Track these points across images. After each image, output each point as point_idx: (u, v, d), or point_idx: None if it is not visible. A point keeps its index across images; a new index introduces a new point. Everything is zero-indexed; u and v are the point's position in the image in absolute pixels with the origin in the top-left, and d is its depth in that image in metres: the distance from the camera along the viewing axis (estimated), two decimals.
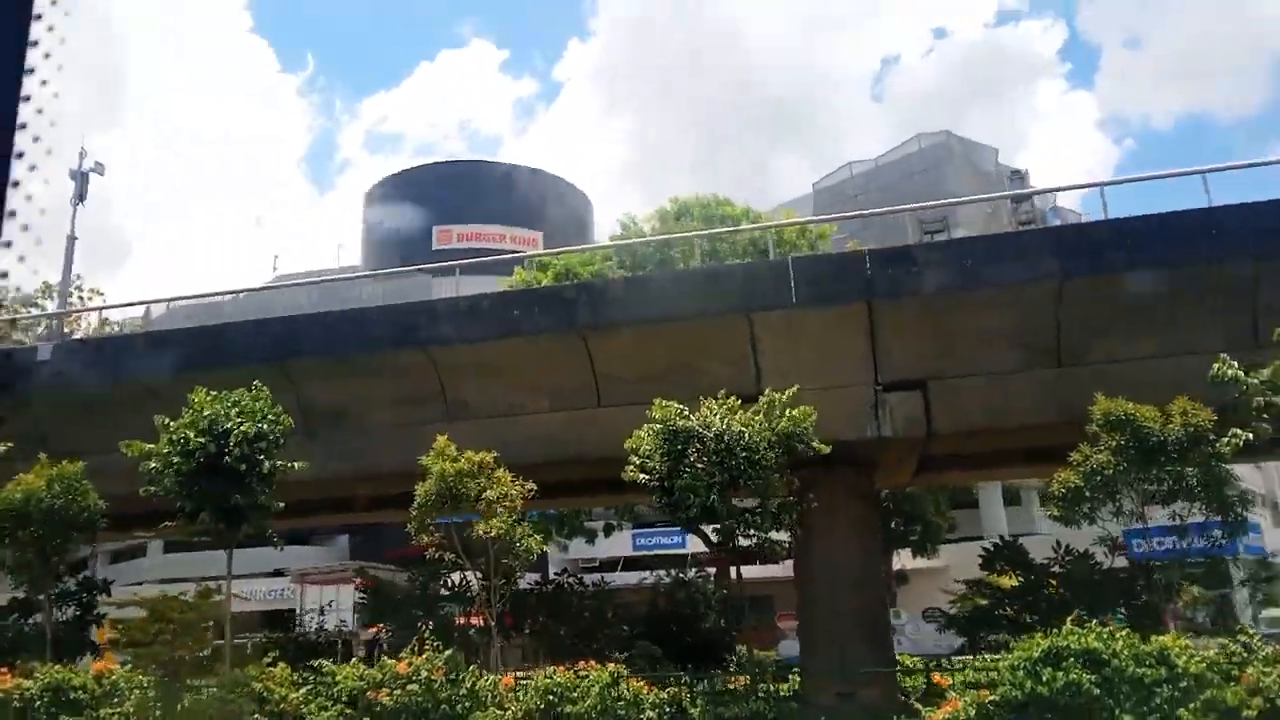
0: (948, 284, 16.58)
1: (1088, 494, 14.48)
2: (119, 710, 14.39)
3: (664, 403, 14.51)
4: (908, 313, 16.87)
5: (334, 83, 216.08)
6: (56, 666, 15.54)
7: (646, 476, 14.28)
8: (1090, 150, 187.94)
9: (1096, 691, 12.43)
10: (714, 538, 27.71)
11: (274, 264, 72.56)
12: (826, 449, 14.27)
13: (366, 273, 43.97)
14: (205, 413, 15.10)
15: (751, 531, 14.50)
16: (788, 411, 14.26)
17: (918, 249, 17.56)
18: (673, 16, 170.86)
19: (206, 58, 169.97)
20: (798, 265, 17.24)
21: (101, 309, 27.72)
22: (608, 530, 39.60)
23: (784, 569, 21.98)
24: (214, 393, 15.56)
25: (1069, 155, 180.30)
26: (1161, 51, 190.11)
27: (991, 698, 13.10)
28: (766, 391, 16.44)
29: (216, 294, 36.13)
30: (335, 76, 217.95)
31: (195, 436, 14.83)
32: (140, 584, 25.92)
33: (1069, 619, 13.90)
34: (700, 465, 13.93)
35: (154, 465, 15.05)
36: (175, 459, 14.89)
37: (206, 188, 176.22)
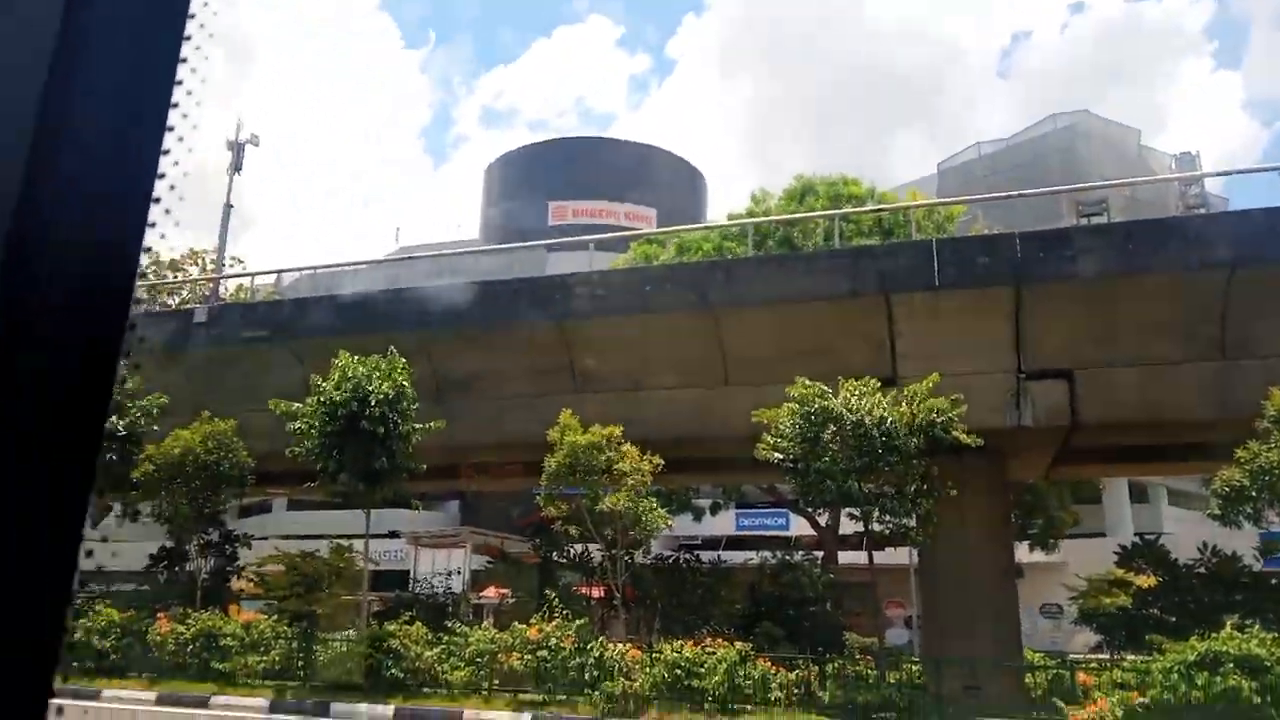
0: (1107, 269, 15.72)
1: (1253, 493, 13.59)
2: (266, 658, 15.05)
3: (805, 381, 14.22)
4: (1057, 299, 16.09)
5: (454, 59, 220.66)
6: (207, 614, 16.38)
7: (780, 456, 14.06)
8: (1236, 133, 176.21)
9: (1256, 699, 11.77)
10: (826, 521, 27.35)
11: (396, 236, 74.67)
12: (970, 440, 13.75)
13: (486, 247, 44.79)
14: (349, 375, 15.60)
15: (886, 517, 14.12)
16: (929, 400, 13.79)
17: (1076, 232, 16.73)
18: None
19: (332, 32, 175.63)
20: (943, 246, 16.62)
21: (243, 275, 29.08)
22: (714, 509, 39.47)
23: (888, 556, 21.49)
24: (357, 356, 16.07)
25: (1211, 138, 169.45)
26: None
27: (1141, 700, 12.55)
28: (902, 376, 16.05)
29: (344, 264, 37.53)
30: (455, 52, 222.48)
31: (340, 396, 15.35)
32: (266, 539, 27.20)
33: (1228, 623, 13.16)
34: (836, 448, 13.64)
35: (300, 425, 15.64)
36: (319, 420, 15.44)
37: (330, 160, 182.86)
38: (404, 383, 15.93)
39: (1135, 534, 27.76)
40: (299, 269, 28.82)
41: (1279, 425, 13.27)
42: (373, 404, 15.30)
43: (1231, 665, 12.03)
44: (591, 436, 15.40)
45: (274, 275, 26.97)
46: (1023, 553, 33.08)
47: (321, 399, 15.63)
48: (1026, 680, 15.39)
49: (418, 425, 15.62)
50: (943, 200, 29.39)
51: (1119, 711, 12.45)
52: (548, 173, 59.26)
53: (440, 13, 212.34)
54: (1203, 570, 17.09)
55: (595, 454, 15.33)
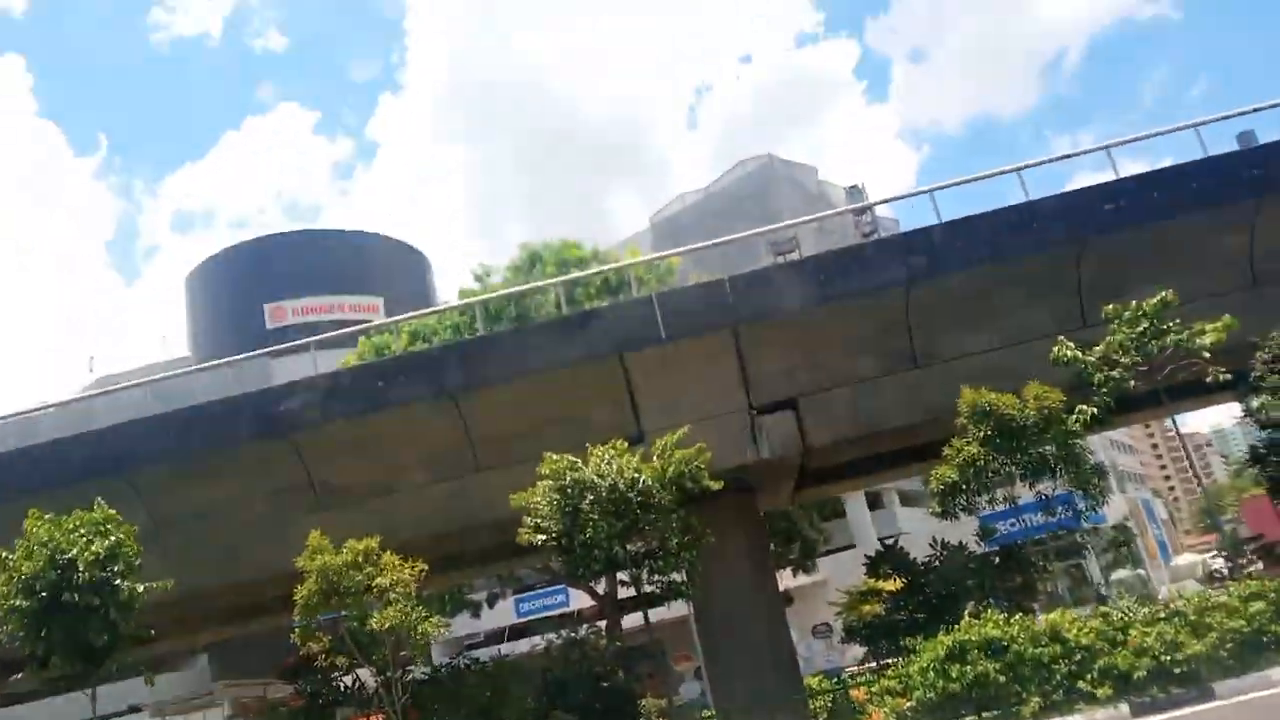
0: (805, 301, 17.13)
1: (964, 486, 15.15)
2: None
3: (553, 456, 14.19)
4: (771, 334, 17.28)
5: (131, 162, 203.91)
6: None
7: (544, 536, 13.89)
8: (893, 159, 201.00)
9: (1003, 679, 12.99)
10: (604, 589, 27.33)
11: (90, 365, 67.21)
12: (718, 485, 14.31)
13: (197, 366, 41.32)
14: (43, 539, 13.61)
15: (655, 576, 14.31)
16: (677, 452, 14.22)
17: (775, 270, 18.10)
18: (486, 62, 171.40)
19: None
20: (663, 300, 17.37)
21: None
22: (491, 600, 38.45)
23: (669, 611, 21.89)
24: (48, 515, 14.07)
25: (875, 166, 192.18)
26: (943, 63, 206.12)
27: (909, 704, 13.45)
28: (648, 431, 16.49)
29: (28, 411, 32.97)
30: (132, 155, 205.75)
31: (34, 566, 13.32)
32: None
33: (964, 612, 14.48)
34: (596, 517, 13.68)
35: None
36: (15, 599, 13.32)
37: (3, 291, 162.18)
38: (118, 536, 14.10)
39: (879, 540, 30.06)
40: None
41: (973, 421, 14.93)
42: (80, 569, 13.40)
43: (976, 651, 13.24)
44: (345, 555, 14.40)
45: None
46: (787, 578, 35.01)
47: (13, 575, 13.49)
48: (811, 706, 16.07)
49: (140, 586, 13.83)
50: (657, 255, 30.90)
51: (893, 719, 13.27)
52: (258, 273, 56.11)
53: (110, 115, 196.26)
54: (937, 564, 18.71)
55: (351, 573, 14.33)
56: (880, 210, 43.64)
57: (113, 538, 13.89)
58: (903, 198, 53.75)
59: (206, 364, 39.65)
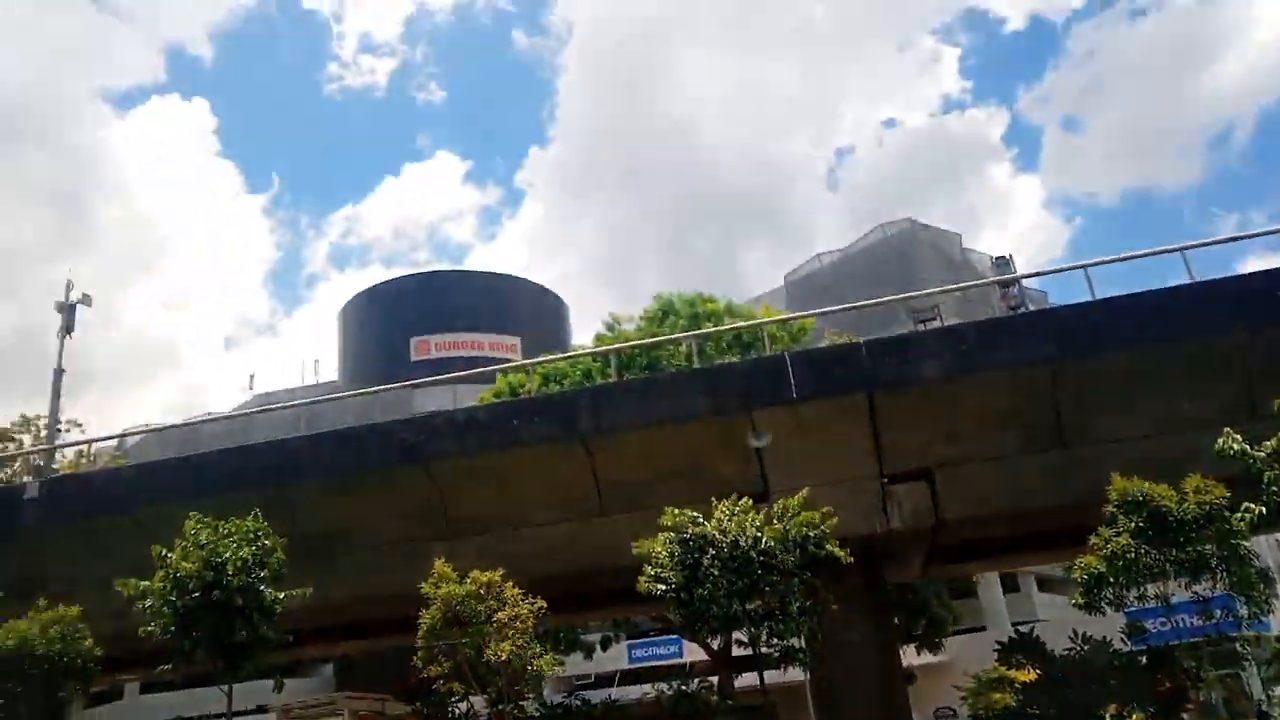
0: (946, 370, 16.67)
1: (1111, 578, 14.26)
2: None
3: (675, 511, 14.22)
4: (908, 401, 16.87)
5: (300, 199, 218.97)
6: None
7: (663, 587, 13.88)
8: (1043, 230, 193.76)
9: None
10: (719, 645, 26.96)
11: (250, 384, 71.81)
12: (844, 554, 13.98)
13: (346, 391, 43.61)
14: (200, 541, 14.60)
15: (773, 639, 14.04)
16: (802, 514, 14.01)
17: (914, 337, 17.73)
18: (629, 120, 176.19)
19: (173, 182, 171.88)
20: (796, 359, 17.27)
21: (80, 443, 27.13)
22: (605, 644, 38.47)
23: (784, 675, 21.33)
24: (205, 520, 15.10)
25: (1022, 236, 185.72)
26: (1100, 133, 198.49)
27: None
28: (774, 490, 16.32)
29: (193, 421, 35.65)
30: (301, 194, 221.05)
31: (190, 566, 14.29)
32: None
33: (1108, 715, 13.54)
34: (716, 572, 13.59)
35: (149, 603, 14.43)
36: (171, 595, 14.29)
37: (175, 311, 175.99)
38: (266, 544, 15.00)
39: (1012, 624, 28.52)
40: (143, 430, 27.22)
41: (1123, 510, 14.09)
42: (230, 572, 14.30)
43: None
44: (469, 586, 14.81)
45: (115, 440, 25.35)
46: (911, 655, 33.66)
47: (170, 572, 14.51)
48: None
49: (281, 593, 14.64)
50: (793, 315, 30.79)
51: None
52: (407, 308, 58.95)
53: (282, 157, 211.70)
54: (1077, 659, 17.64)
55: (474, 604, 14.70)
56: (1028, 282, 42.18)
57: (261, 545, 14.75)
58: (1055, 271, 51.65)
59: (355, 391, 41.91)
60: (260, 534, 14.97)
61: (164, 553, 14.66)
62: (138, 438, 29.67)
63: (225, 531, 14.89)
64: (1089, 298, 17.33)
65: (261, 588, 14.47)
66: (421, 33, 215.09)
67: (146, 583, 14.56)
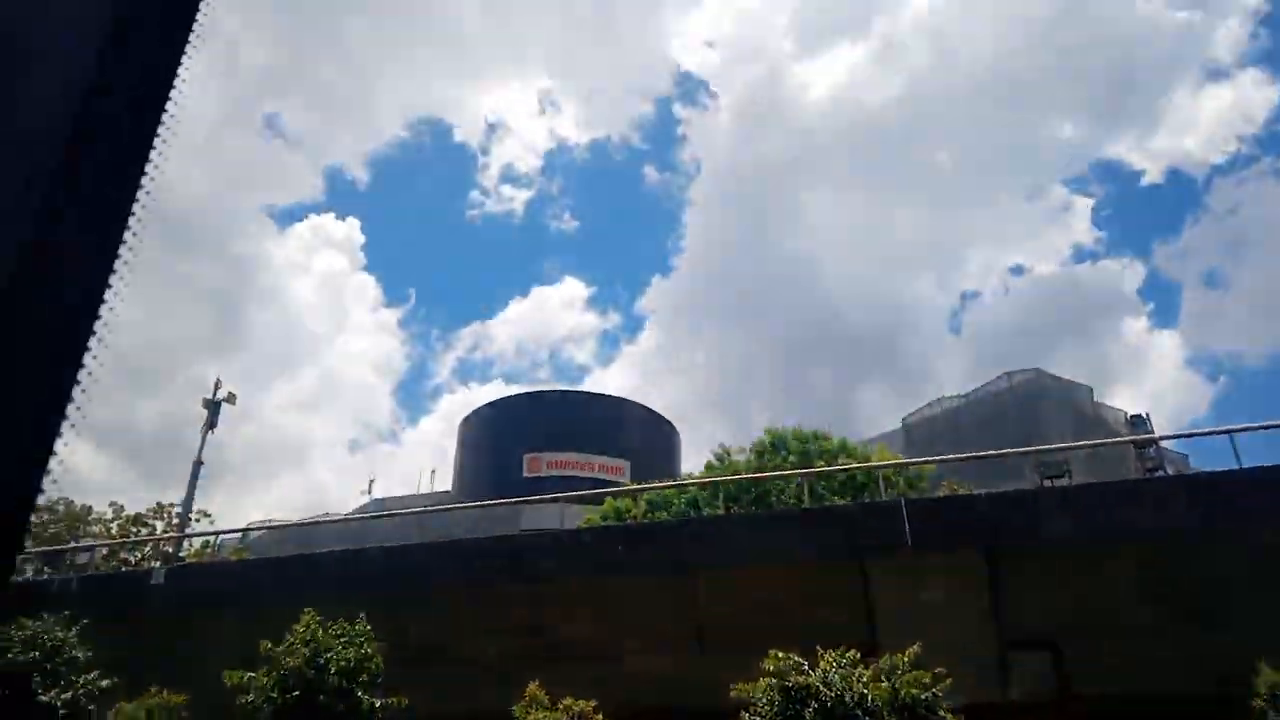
0: (1074, 532, 15.83)
1: None
2: None
3: (780, 655, 13.71)
4: (1031, 563, 16.05)
5: (433, 314, 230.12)
6: None
7: None
8: (1183, 388, 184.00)
9: None
10: None
11: (369, 488, 74.18)
12: (956, 719, 13.11)
13: (458, 503, 44.47)
14: (308, 639, 14.89)
15: None
16: (912, 673, 13.28)
17: (1041, 493, 16.97)
18: (751, 253, 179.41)
19: (317, 290, 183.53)
20: (912, 507, 16.74)
21: (207, 534, 28.42)
22: None
23: None
24: (317, 618, 15.43)
25: (1160, 395, 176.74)
26: (1243, 289, 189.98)
27: None
28: (882, 644, 15.56)
29: (313, 520, 36.91)
30: (435, 308, 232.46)
31: (294, 662, 14.54)
32: None
33: None
34: None
35: (251, 698, 14.70)
36: (274, 691, 14.54)
37: (308, 413, 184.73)
38: (368, 650, 15.19)
39: None
40: (265, 525, 28.38)
41: (1271, 704, 12.83)
42: (332, 672, 14.49)
43: None
44: (559, 714, 14.53)
45: (240, 533, 26.49)
46: None
47: (275, 669, 14.80)
48: None
49: (378, 701, 14.71)
50: (911, 460, 29.93)
51: None
52: (523, 424, 60.11)
53: (420, 273, 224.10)
54: None
55: None
56: (1167, 445, 39.99)
57: (364, 650, 14.93)
58: (1197, 435, 48.78)
59: (467, 503, 42.72)
60: (364, 639, 15.18)
61: (270, 647, 15.01)
62: (260, 532, 30.88)
63: (334, 630, 15.17)
64: (1234, 465, 16.33)
65: (359, 693, 14.56)
66: (559, 165, 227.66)
67: (252, 675, 14.88)
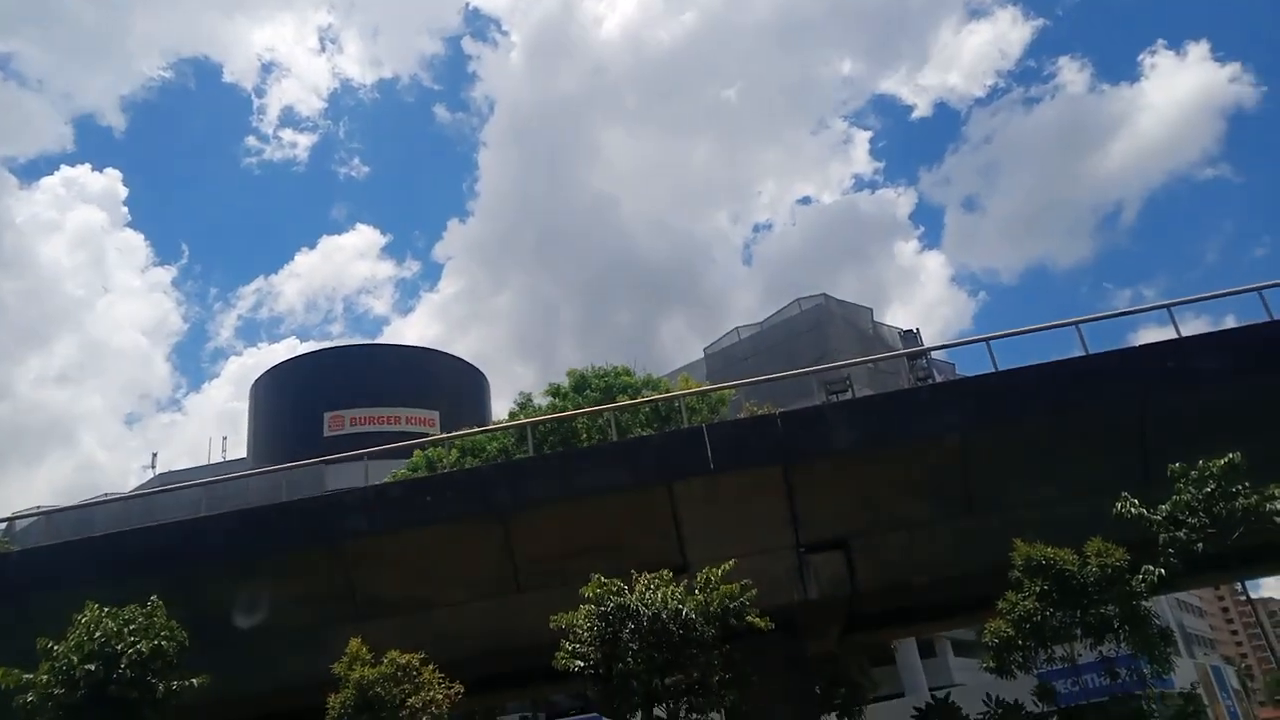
0: (859, 442, 17.01)
1: (1020, 641, 14.55)
2: None
3: (601, 579, 13.99)
4: (822, 472, 17.12)
5: (210, 271, 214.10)
6: None
7: (581, 663, 13.58)
8: (949, 304, 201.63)
9: None
10: None
11: (152, 462, 68.80)
12: (764, 623, 13.92)
13: (254, 470, 42.10)
14: (96, 633, 13.73)
15: (695, 715, 13.81)
16: (722, 586, 13.95)
17: (828, 409, 18.13)
18: (551, 194, 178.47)
19: (73, 251, 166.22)
20: (713, 431, 17.39)
21: None
22: None
23: None
24: (106, 608, 14.24)
25: (929, 310, 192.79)
26: (997, 212, 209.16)
27: None
28: (692, 562, 16.23)
29: (88, 502, 33.77)
30: (210, 266, 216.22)
31: (80, 662, 13.41)
32: None
33: None
34: (636, 647, 13.38)
35: (30, 698, 13.45)
36: (56, 689, 13.36)
37: (71, 386, 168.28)
38: (165, 635, 14.16)
39: (930, 690, 28.63)
40: (33, 513, 25.66)
41: (1028, 575, 14.46)
42: (122, 666, 13.46)
43: None
44: (384, 667, 14.22)
45: (2, 524, 23.84)
46: None
47: (58, 664, 13.59)
48: None
49: (176, 682, 13.81)
50: (709, 387, 31.09)
51: None
52: (323, 383, 57.46)
53: (193, 228, 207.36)
54: None
55: (389, 687, 14.10)
56: (937, 355, 43.65)
57: (158, 639, 13.93)
58: (959, 344, 53.80)
59: (261, 469, 40.48)
60: (160, 623, 14.18)
61: (50, 645, 13.75)
62: (26, 522, 27.94)
63: (126, 618, 14.06)
64: (992, 369, 18.01)
65: (154, 680, 13.62)
66: (344, 108, 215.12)
67: (30, 675, 13.60)
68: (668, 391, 30.88)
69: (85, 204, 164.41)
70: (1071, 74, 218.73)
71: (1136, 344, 18.31)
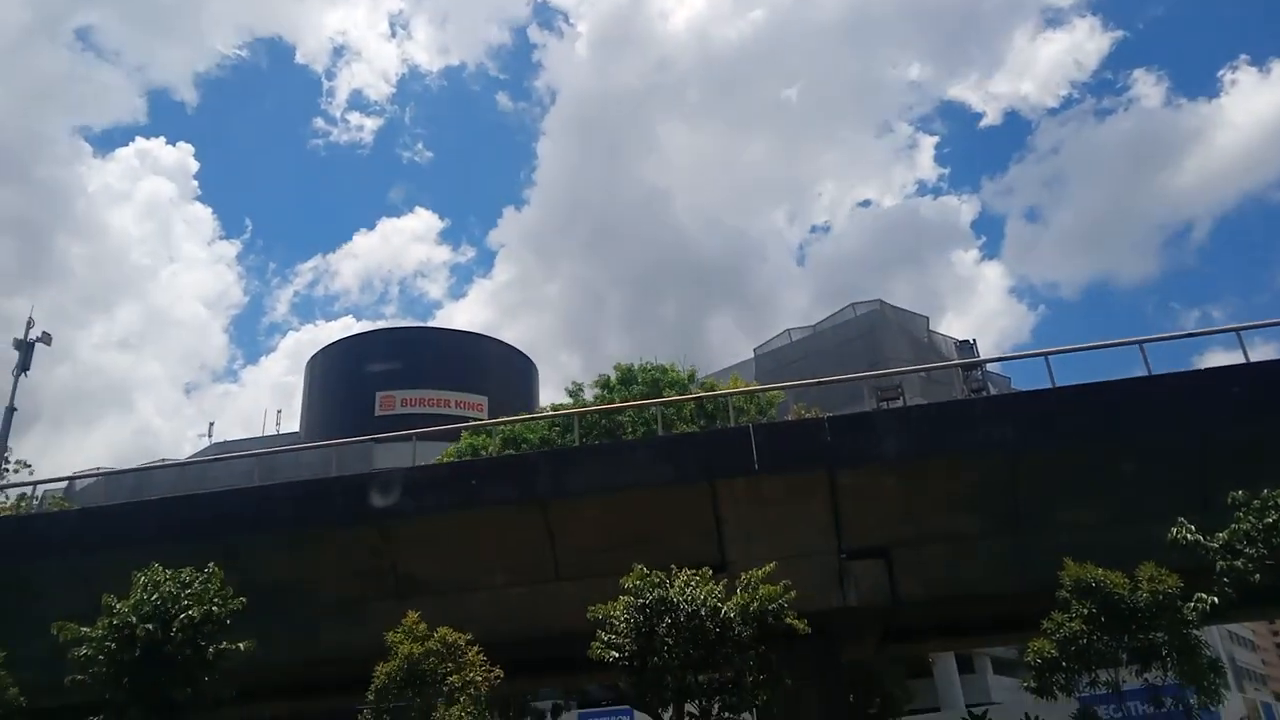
0: (907, 451, 16.79)
1: (1063, 663, 14.25)
2: None
3: (642, 569, 14.03)
4: (868, 479, 16.94)
5: (271, 247, 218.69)
6: None
7: (616, 654, 13.63)
8: (1007, 316, 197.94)
9: None
10: (670, 717, 26.43)
11: (208, 431, 70.47)
12: (803, 626, 13.83)
13: (305, 444, 42.94)
14: (153, 596, 14.13)
15: (727, 714, 13.78)
16: (762, 587, 13.89)
17: (878, 416, 17.90)
18: (606, 186, 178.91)
19: (141, 221, 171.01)
20: (759, 432, 17.32)
21: (25, 484, 26.29)
22: (555, 711, 37.66)
23: None
24: (168, 570, 14.65)
25: (986, 321, 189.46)
26: (1060, 225, 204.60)
27: None
28: (730, 562, 16.19)
29: (146, 466, 34.80)
30: (273, 241, 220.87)
31: (140, 622, 13.80)
32: None
33: None
34: (672, 641, 13.39)
35: (85, 652, 13.88)
36: (111, 644, 13.79)
37: (130, 352, 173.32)
38: (218, 601, 14.54)
39: (966, 706, 28.16)
40: (94, 473, 26.53)
41: (1076, 595, 14.15)
42: (175, 630, 13.84)
43: None
44: (432, 644, 14.42)
45: (64, 482, 24.65)
46: None
47: (115, 621, 14.01)
48: None
49: (225, 645, 14.18)
50: (757, 388, 30.94)
51: None
52: (376, 362, 58.31)
53: (258, 205, 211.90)
54: None
55: (435, 663, 14.29)
56: (991, 367, 42.90)
57: (211, 604, 14.29)
58: (1016, 357, 52.77)
59: (313, 443, 41.30)
60: (214, 588, 14.56)
61: (112, 602, 14.19)
62: (86, 482, 28.88)
63: (184, 581, 14.46)
64: (1049, 385, 17.63)
65: (204, 643, 14.00)
66: (411, 93, 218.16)
67: (86, 629, 14.06)
68: (712, 389, 30.79)
69: (156, 175, 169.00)
70: (1147, 87, 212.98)
71: (1201, 367, 17.74)
